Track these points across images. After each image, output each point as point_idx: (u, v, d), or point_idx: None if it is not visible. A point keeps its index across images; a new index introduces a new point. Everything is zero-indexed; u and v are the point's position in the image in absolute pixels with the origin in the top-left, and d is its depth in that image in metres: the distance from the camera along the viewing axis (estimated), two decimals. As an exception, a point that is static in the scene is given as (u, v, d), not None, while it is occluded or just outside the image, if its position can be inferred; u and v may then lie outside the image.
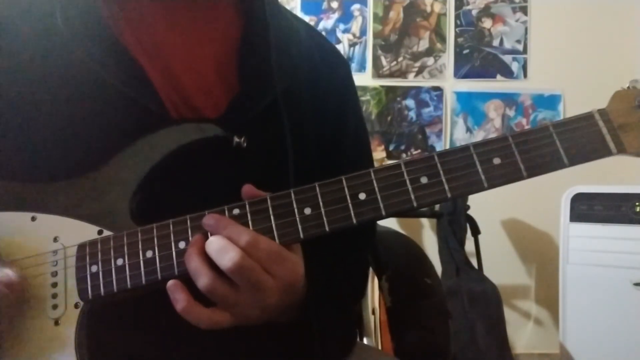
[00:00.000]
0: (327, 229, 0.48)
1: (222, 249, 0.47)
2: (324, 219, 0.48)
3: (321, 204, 0.48)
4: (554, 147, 0.46)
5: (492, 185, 0.46)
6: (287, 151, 0.60)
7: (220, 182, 0.56)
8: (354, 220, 0.47)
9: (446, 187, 0.47)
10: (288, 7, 2.30)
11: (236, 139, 0.55)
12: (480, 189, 0.46)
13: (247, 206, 0.49)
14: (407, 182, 0.47)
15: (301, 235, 0.48)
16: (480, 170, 0.46)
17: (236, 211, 0.50)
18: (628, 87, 0.45)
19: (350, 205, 0.48)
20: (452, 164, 0.47)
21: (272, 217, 0.49)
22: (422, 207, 0.47)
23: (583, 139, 0.45)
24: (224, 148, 0.55)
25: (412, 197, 0.47)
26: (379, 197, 0.47)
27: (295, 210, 0.48)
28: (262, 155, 0.59)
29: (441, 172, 0.47)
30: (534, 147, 0.46)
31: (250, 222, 0.49)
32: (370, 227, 0.77)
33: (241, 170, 0.57)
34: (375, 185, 0.48)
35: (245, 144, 0.56)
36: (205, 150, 0.54)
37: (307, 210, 0.48)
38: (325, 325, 0.57)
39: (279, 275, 0.48)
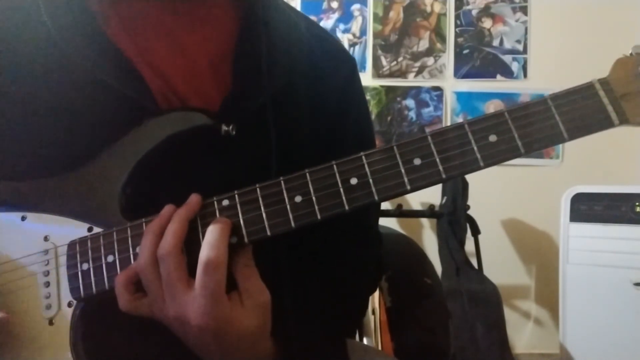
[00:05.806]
0: (318, 216, 0.46)
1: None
2: (315, 206, 0.46)
3: (312, 190, 0.47)
4: (552, 120, 0.43)
5: (488, 164, 0.44)
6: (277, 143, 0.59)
7: (209, 173, 0.55)
8: (346, 207, 0.46)
9: (440, 167, 0.45)
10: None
11: (224, 127, 0.54)
12: (476, 168, 0.44)
13: (237, 197, 0.48)
14: (400, 164, 0.45)
15: (292, 224, 0.47)
16: (475, 148, 0.44)
17: (225, 202, 0.49)
18: (631, 54, 0.43)
19: (341, 190, 0.46)
20: (446, 144, 0.45)
21: (262, 207, 0.47)
22: (416, 190, 0.45)
23: (583, 111, 0.43)
24: (213, 137, 0.54)
25: (406, 180, 0.45)
26: (370, 182, 0.46)
27: (286, 198, 0.47)
28: (251, 144, 0.58)
29: (435, 152, 0.45)
30: (532, 122, 0.44)
31: (240, 213, 0.48)
32: (377, 237, 0.75)
33: (230, 159, 0.56)
34: (367, 169, 0.46)
35: (234, 132, 0.55)
36: (194, 140, 0.53)
37: (298, 198, 0.47)
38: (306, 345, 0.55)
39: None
